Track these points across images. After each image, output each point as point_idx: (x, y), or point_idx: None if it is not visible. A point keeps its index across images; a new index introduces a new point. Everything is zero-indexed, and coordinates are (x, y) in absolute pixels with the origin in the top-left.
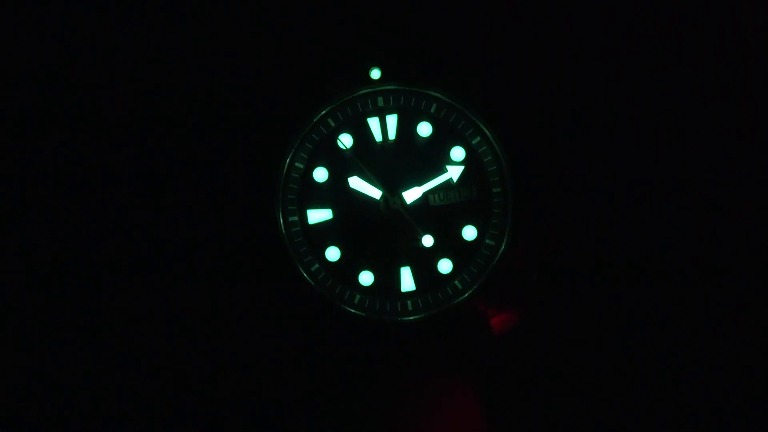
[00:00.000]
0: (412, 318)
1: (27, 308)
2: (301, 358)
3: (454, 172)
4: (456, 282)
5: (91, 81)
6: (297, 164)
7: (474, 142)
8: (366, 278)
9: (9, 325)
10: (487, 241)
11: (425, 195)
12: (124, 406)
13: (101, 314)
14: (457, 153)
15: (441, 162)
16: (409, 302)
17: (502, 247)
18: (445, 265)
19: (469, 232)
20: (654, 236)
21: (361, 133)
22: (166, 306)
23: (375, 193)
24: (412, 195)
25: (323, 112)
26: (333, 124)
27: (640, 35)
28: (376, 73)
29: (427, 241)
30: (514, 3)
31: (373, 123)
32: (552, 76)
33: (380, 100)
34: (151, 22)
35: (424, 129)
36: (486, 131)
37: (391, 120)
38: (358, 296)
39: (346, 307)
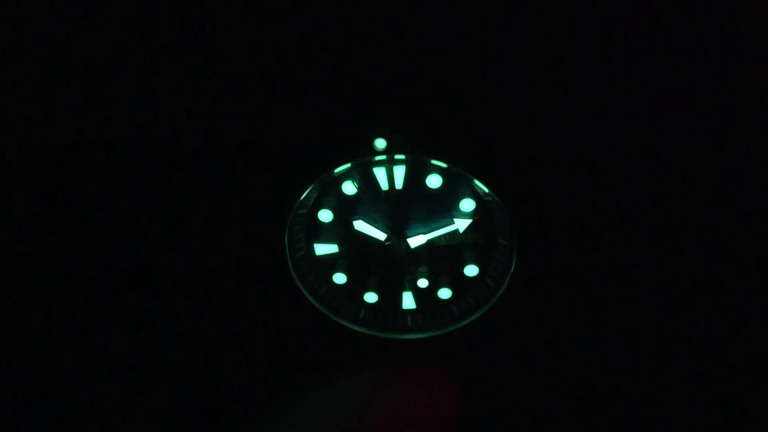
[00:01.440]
0: (410, 336)
1: (34, 331)
2: (300, 371)
3: (461, 224)
4: (453, 307)
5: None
6: (301, 211)
7: (483, 195)
8: (371, 298)
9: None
10: (487, 280)
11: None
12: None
13: (110, 345)
14: (467, 205)
15: (449, 213)
16: (409, 318)
17: (501, 290)
18: (444, 293)
19: (471, 270)
20: (659, 288)
21: (367, 182)
22: (177, 325)
23: (380, 235)
24: (416, 241)
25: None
26: (335, 173)
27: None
28: (381, 143)
29: (422, 283)
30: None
31: (380, 173)
32: (556, 139)
33: (384, 158)
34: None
35: (434, 181)
36: (494, 196)
37: (399, 171)
38: (362, 311)
39: (348, 324)
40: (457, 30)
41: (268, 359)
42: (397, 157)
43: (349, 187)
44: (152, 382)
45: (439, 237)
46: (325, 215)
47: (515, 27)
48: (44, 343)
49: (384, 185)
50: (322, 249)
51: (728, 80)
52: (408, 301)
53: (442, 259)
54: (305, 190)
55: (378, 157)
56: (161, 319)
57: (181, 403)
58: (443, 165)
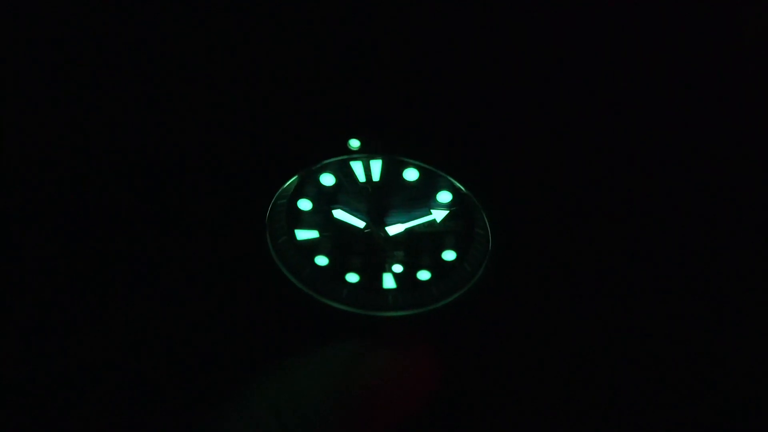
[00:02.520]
0: (391, 313)
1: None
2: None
3: (438, 215)
4: (433, 288)
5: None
6: (281, 201)
7: (460, 188)
8: (352, 278)
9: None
10: (465, 265)
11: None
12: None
13: (90, 337)
14: (444, 197)
15: (426, 204)
16: (390, 296)
17: (477, 276)
18: (423, 275)
19: (449, 255)
20: (633, 277)
21: (345, 174)
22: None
23: (359, 223)
24: (395, 229)
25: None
26: (314, 168)
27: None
28: (355, 143)
29: (397, 269)
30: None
31: (357, 166)
32: (531, 136)
33: (362, 155)
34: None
35: (411, 174)
36: (469, 195)
37: (375, 165)
38: (345, 290)
39: (332, 301)
40: (428, 28)
41: (252, 338)
42: (371, 156)
43: (327, 180)
44: (138, 370)
45: (420, 226)
46: (305, 204)
47: (491, 24)
48: (21, 340)
49: (362, 177)
50: (303, 235)
51: (693, 64)
52: (388, 281)
53: (421, 245)
54: (281, 186)
55: (353, 156)
56: (145, 307)
57: (167, 388)
58: (418, 163)
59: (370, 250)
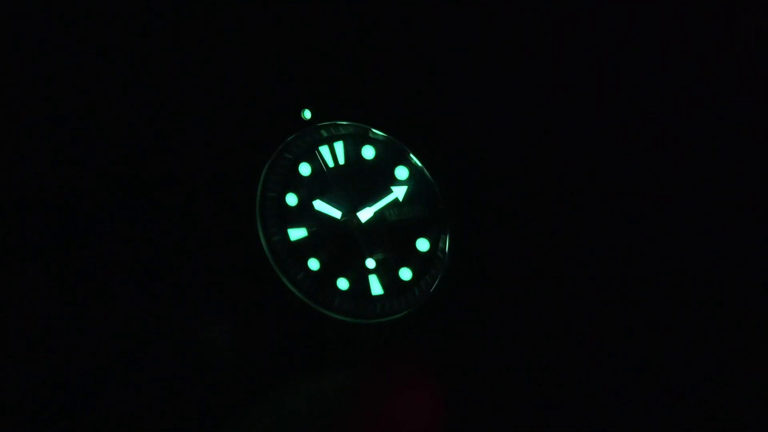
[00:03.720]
0: (380, 320)
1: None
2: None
3: (399, 192)
4: (416, 289)
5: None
6: (270, 194)
7: (414, 161)
8: (343, 284)
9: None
10: (438, 253)
11: (381, 212)
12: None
13: (87, 333)
14: (401, 173)
15: (386, 182)
16: (378, 305)
17: (447, 259)
18: (405, 273)
19: (423, 245)
20: (597, 261)
21: (317, 161)
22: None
23: (336, 213)
24: (365, 214)
25: (279, 149)
26: (291, 157)
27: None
28: (307, 113)
29: (370, 263)
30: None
31: (325, 151)
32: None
33: (324, 132)
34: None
35: (368, 152)
36: (416, 160)
37: (339, 147)
38: (337, 299)
39: (326, 310)
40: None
41: (251, 347)
42: (324, 125)
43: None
44: (132, 370)
45: (389, 211)
46: (291, 199)
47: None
48: (20, 341)
49: (330, 162)
50: (295, 234)
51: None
52: (375, 286)
53: (396, 237)
54: (262, 173)
55: (309, 128)
56: (142, 309)
57: (158, 391)
58: (366, 129)
59: (353, 247)
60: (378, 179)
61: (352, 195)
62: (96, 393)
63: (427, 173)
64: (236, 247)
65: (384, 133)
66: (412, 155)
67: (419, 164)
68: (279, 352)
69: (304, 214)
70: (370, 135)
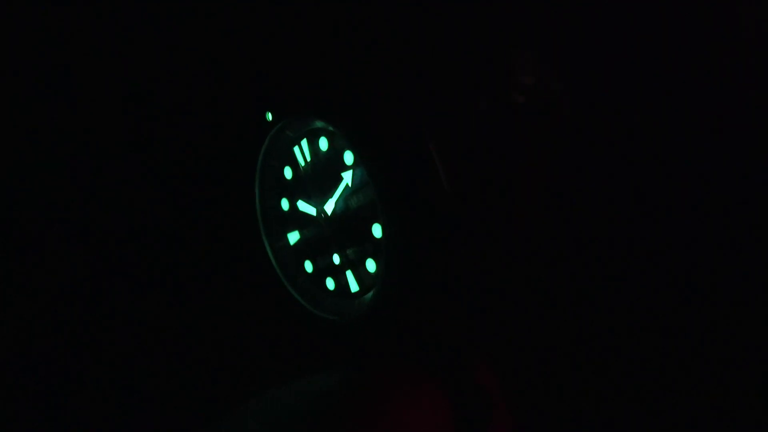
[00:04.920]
0: (354, 318)
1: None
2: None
3: (347, 177)
4: (381, 281)
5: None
6: (269, 202)
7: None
8: (330, 284)
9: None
10: (375, 235)
11: (343, 202)
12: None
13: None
14: (348, 158)
15: (339, 170)
16: (355, 301)
17: (384, 247)
18: (370, 265)
19: (377, 231)
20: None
21: (293, 163)
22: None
23: (311, 210)
24: (329, 207)
25: (262, 156)
26: (276, 164)
27: None
28: (269, 115)
29: (336, 259)
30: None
31: (296, 151)
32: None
33: (289, 133)
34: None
35: (323, 144)
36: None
37: (304, 144)
38: (327, 299)
39: (319, 311)
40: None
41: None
42: (284, 123)
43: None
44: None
45: (350, 200)
46: (285, 204)
47: None
48: (25, 342)
49: (302, 161)
50: (293, 237)
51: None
52: (352, 283)
53: (357, 226)
54: (255, 182)
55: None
56: (146, 310)
57: (157, 390)
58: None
59: (330, 243)
60: (333, 169)
61: (319, 190)
62: (97, 392)
63: (358, 157)
64: (243, 257)
65: (323, 121)
66: (346, 141)
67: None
68: (282, 356)
69: (295, 218)
70: (321, 126)
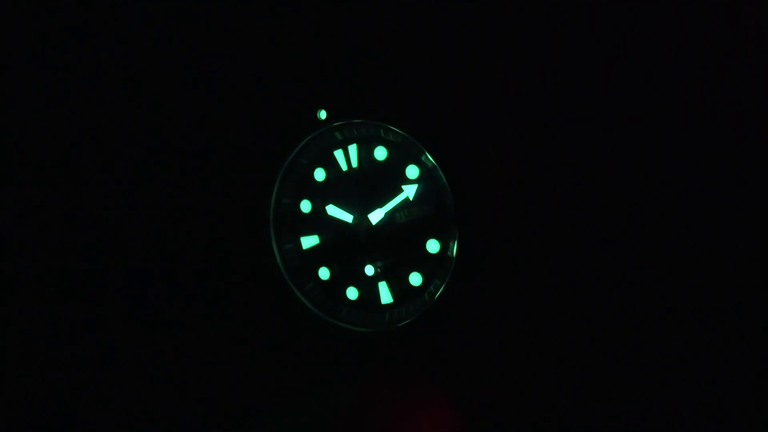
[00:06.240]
0: (389, 328)
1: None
2: (291, 367)
3: (409, 191)
4: (425, 294)
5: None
6: (284, 200)
7: (422, 159)
8: (352, 293)
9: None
10: (448, 253)
11: (391, 214)
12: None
13: (98, 337)
14: (411, 172)
15: (398, 182)
16: (387, 314)
17: (455, 258)
18: (415, 278)
19: (432, 246)
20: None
21: (331, 165)
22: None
23: (347, 217)
24: (376, 216)
25: (294, 154)
26: (305, 162)
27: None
28: (323, 114)
29: (369, 270)
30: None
31: (339, 155)
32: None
33: (338, 135)
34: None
35: (380, 153)
36: (426, 153)
37: (352, 150)
38: (345, 310)
39: (333, 320)
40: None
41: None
42: (338, 124)
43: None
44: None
45: (399, 213)
46: (306, 206)
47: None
48: (27, 343)
49: (344, 166)
50: (308, 242)
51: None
52: (385, 294)
53: (406, 239)
54: (278, 177)
55: (325, 128)
56: (150, 311)
57: (167, 399)
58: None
59: (361, 251)
60: (389, 180)
61: (364, 198)
62: (105, 397)
63: (440, 172)
64: (248, 253)
65: (399, 130)
66: (427, 153)
67: (433, 162)
68: (286, 362)
69: (317, 221)
70: (382, 135)
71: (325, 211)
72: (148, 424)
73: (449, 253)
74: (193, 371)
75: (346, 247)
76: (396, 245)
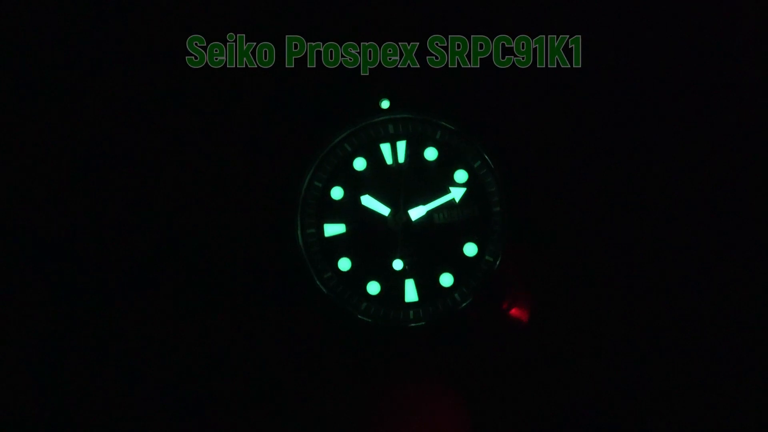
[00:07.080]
0: (412, 325)
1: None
2: (309, 359)
3: (456, 194)
4: (456, 294)
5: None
6: (316, 183)
7: (476, 165)
8: (373, 288)
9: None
10: (487, 257)
11: (430, 213)
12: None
13: (120, 325)
14: (460, 176)
15: (445, 184)
16: (411, 312)
17: (497, 264)
18: (446, 279)
19: (470, 249)
20: (644, 253)
21: (375, 157)
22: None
23: (384, 210)
24: (417, 213)
25: (340, 138)
26: (349, 149)
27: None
28: (385, 104)
29: (397, 265)
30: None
31: (385, 148)
32: (548, 106)
33: (391, 128)
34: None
35: (431, 154)
36: (486, 157)
37: (401, 145)
38: (364, 304)
39: (354, 312)
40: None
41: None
42: (400, 116)
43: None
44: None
45: (438, 214)
46: (337, 192)
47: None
48: (48, 339)
49: (389, 160)
50: (332, 229)
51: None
52: (411, 292)
53: (441, 240)
54: (319, 156)
55: (382, 117)
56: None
57: (181, 387)
58: (441, 123)
59: (389, 246)
60: (436, 181)
61: (404, 194)
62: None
63: (497, 174)
64: (272, 233)
65: (463, 130)
66: (485, 155)
67: (490, 164)
68: (299, 348)
69: (346, 210)
70: (438, 137)
71: (358, 200)
72: (163, 407)
73: (488, 256)
74: (206, 351)
75: (375, 240)
76: (432, 243)
